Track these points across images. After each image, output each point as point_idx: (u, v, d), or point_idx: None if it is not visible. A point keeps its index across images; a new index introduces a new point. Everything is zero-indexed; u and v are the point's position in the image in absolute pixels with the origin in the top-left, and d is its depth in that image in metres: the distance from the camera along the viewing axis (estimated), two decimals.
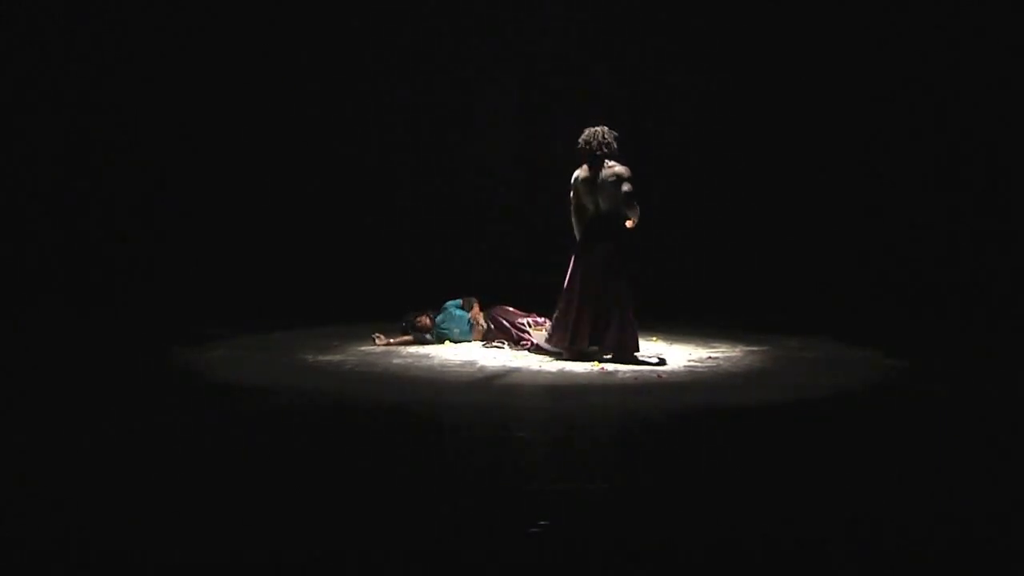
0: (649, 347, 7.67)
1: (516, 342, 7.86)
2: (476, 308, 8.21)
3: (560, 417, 5.66)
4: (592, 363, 7.17)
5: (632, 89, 11.02)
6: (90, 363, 7.12)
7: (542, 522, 3.70)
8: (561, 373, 6.95)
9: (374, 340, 7.97)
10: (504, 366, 7.21)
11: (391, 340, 7.99)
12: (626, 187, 7.19)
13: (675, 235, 10.73)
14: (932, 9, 10.48)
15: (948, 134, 10.52)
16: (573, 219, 7.45)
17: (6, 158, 10.64)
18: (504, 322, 7.98)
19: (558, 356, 7.40)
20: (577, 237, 7.43)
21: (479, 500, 4.04)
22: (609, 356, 7.25)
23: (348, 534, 3.63)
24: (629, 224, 7.21)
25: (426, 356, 7.58)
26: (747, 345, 8.03)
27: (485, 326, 8.08)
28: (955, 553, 3.52)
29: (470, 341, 8.11)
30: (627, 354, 7.22)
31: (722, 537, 3.64)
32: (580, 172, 7.36)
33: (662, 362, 7.25)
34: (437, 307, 8.25)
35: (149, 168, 11.00)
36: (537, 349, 7.63)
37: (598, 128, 7.34)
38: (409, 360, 7.39)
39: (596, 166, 7.28)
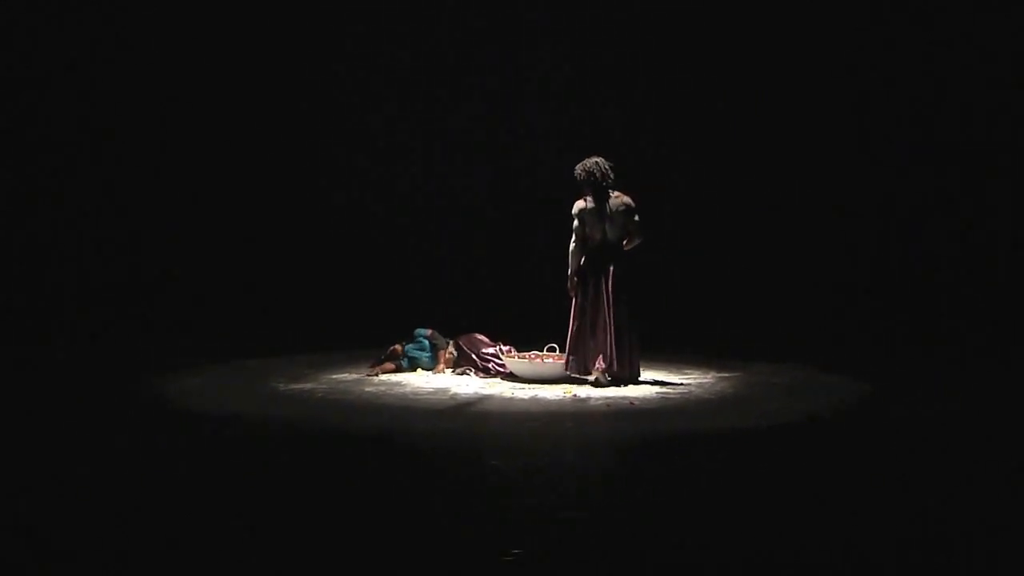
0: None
1: (481, 370, 7.89)
2: (442, 340, 8.23)
3: (533, 444, 5.67)
4: (564, 390, 7.19)
5: (603, 113, 11.12)
6: (61, 390, 7.05)
7: (515, 550, 3.70)
8: (534, 400, 6.96)
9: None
10: (476, 393, 7.21)
11: (376, 368, 7.99)
12: (636, 217, 7.37)
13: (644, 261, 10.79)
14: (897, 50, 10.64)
15: (919, 147, 10.65)
16: (573, 248, 7.42)
17: None
18: (468, 351, 8.01)
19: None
20: (573, 267, 7.42)
21: (451, 528, 4.03)
22: (610, 379, 7.28)
23: (316, 562, 3.62)
24: (626, 247, 7.39)
25: (398, 384, 7.57)
26: (719, 371, 8.08)
27: (454, 353, 8.10)
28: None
29: (432, 369, 8.11)
30: (631, 378, 7.35)
31: (695, 563, 3.65)
32: (583, 203, 7.40)
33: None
34: (410, 336, 8.29)
35: (133, 195, 10.98)
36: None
37: (596, 159, 7.39)
38: (381, 388, 7.38)
39: (602, 196, 7.36)
